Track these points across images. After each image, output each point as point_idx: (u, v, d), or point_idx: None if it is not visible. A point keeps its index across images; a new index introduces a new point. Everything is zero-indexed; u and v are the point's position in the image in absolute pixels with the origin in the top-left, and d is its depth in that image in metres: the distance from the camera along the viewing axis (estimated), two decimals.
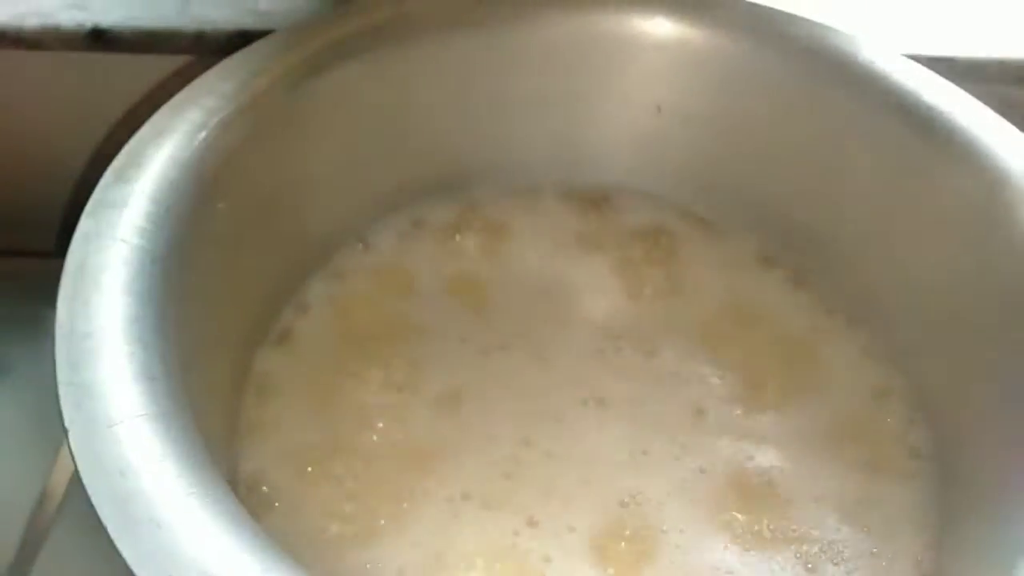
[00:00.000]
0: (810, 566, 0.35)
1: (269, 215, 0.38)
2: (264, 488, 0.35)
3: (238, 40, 0.41)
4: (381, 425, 0.37)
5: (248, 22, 0.43)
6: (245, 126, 0.35)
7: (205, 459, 0.25)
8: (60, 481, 0.40)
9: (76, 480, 0.23)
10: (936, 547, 0.36)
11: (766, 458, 0.38)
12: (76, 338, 0.26)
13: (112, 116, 0.40)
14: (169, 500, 0.23)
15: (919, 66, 0.39)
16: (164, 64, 0.44)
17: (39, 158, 0.46)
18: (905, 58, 0.40)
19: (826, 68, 0.40)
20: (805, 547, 0.35)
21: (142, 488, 0.23)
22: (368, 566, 0.33)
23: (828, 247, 0.43)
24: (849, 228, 0.42)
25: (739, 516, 0.36)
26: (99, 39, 0.42)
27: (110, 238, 0.29)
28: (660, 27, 0.42)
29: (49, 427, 0.25)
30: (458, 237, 0.45)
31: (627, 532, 0.35)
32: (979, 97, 0.38)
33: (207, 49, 0.43)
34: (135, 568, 0.21)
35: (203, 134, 0.34)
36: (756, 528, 0.36)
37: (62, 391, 0.25)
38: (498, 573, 0.33)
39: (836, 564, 0.35)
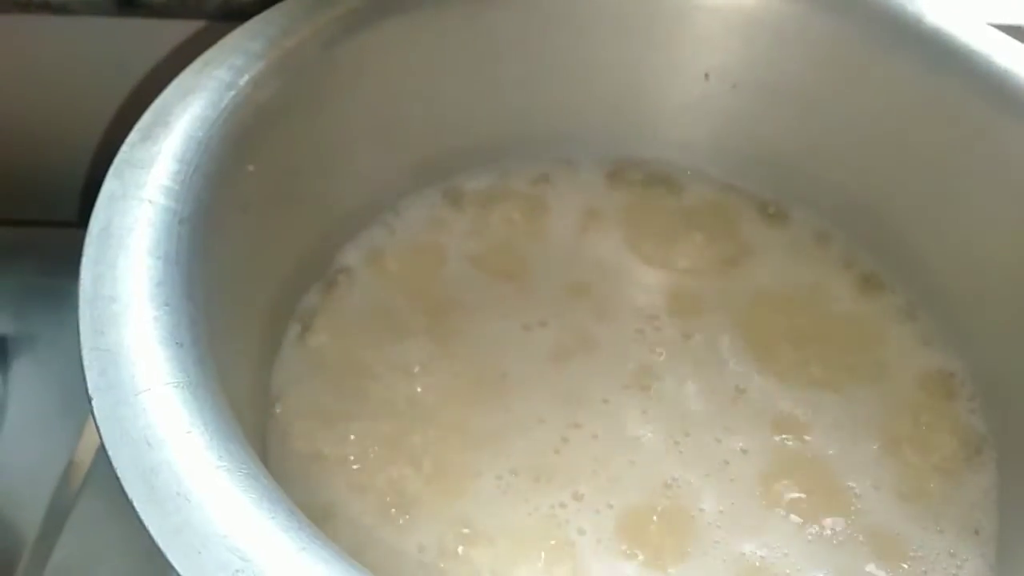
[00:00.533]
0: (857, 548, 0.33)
1: (300, 181, 0.36)
2: (294, 461, 0.33)
3: (264, 4, 0.39)
4: (420, 398, 0.36)
5: None
6: (274, 86, 0.33)
7: (235, 431, 0.23)
8: (86, 453, 0.39)
9: (102, 452, 0.21)
10: (997, 540, 0.34)
11: (815, 442, 0.36)
12: (100, 302, 0.25)
13: (134, 81, 0.38)
14: (197, 473, 0.21)
15: (990, 28, 0.37)
16: (188, 28, 0.42)
17: (61, 125, 0.45)
18: (975, 20, 0.37)
19: (887, 31, 0.38)
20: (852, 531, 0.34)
21: (169, 460, 0.21)
22: (402, 539, 0.32)
23: (887, 223, 0.40)
24: (910, 202, 0.39)
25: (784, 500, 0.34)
26: (127, 3, 0.41)
27: (136, 199, 0.28)
28: None
29: (75, 399, 0.23)
30: (495, 210, 0.43)
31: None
32: None
33: (232, 13, 0.41)
34: (161, 543, 0.20)
35: (231, 93, 0.32)
36: (796, 514, 0.34)
37: (86, 357, 0.23)
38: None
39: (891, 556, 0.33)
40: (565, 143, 0.44)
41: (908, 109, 0.38)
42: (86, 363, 0.23)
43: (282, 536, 0.21)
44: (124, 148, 0.29)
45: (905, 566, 0.33)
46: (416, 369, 0.37)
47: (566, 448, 0.35)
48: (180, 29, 0.42)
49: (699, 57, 0.42)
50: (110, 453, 0.21)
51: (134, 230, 0.27)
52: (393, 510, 0.33)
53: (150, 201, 0.28)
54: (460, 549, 0.32)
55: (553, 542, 0.32)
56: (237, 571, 0.20)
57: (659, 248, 0.42)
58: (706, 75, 0.42)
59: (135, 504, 0.20)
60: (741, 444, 0.35)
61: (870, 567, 0.33)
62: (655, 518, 0.33)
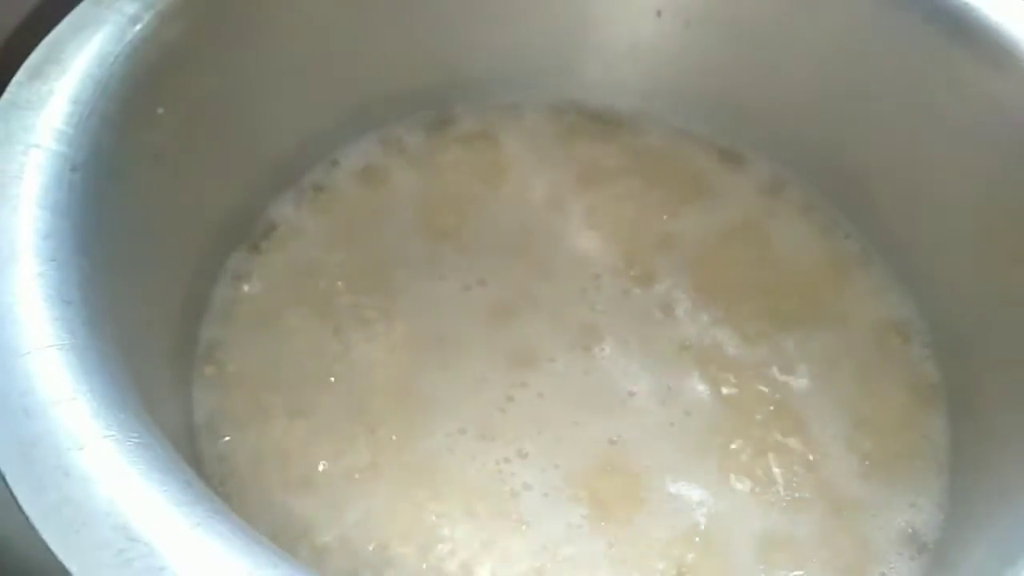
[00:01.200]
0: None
1: (221, 127, 0.34)
2: (224, 431, 0.32)
3: None
4: (359, 358, 0.34)
5: None
6: (186, 19, 0.30)
7: (129, 398, 0.21)
8: None
9: None
10: (947, 482, 0.33)
11: (766, 396, 0.35)
12: None
13: (17, 18, 0.34)
14: (81, 444, 0.19)
15: None
16: None
17: None
18: None
19: None
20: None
21: (49, 430, 0.19)
22: (334, 504, 0.30)
23: (845, 167, 0.39)
24: (869, 146, 0.38)
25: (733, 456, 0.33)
26: None
27: (22, 143, 0.25)
28: None
29: None
30: (435, 160, 0.40)
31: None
32: None
33: None
34: (37, 523, 0.18)
35: (136, 27, 0.29)
36: (744, 472, 0.33)
37: None
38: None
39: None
40: (508, 86, 0.41)
41: (867, 48, 0.36)
42: None
43: (174, 511, 0.19)
44: (10, 88, 0.26)
45: (859, 518, 0.32)
46: (354, 330, 0.35)
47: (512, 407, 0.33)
48: None
49: None
50: None
51: (19, 178, 0.24)
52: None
53: (38, 146, 0.25)
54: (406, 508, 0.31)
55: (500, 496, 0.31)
56: (121, 550, 0.18)
57: (610, 198, 0.40)
58: (658, 12, 0.40)
59: (8, 480, 0.18)
60: (686, 403, 0.34)
61: (819, 520, 0.32)
62: (600, 475, 0.32)
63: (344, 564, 0.29)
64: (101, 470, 0.19)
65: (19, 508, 0.18)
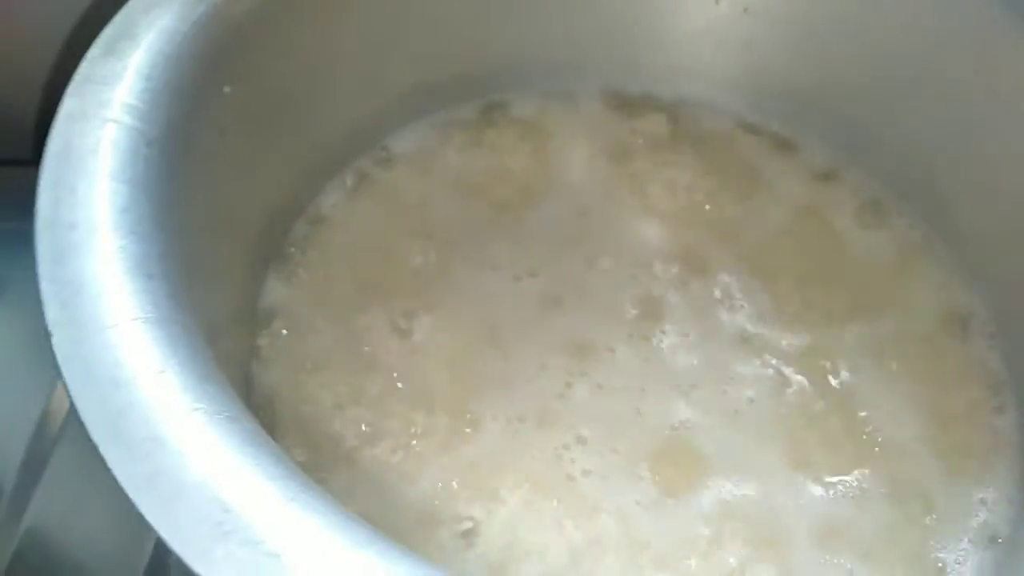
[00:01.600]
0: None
1: (282, 107, 0.33)
2: (280, 407, 0.31)
3: None
4: (416, 347, 0.33)
5: None
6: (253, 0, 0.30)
7: (213, 371, 0.21)
8: (62, 402, 0.37)
9: None
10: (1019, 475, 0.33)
11: (828, 388, 0.34)
12: (60, 229, 0.22)
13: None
14: (172, 416, 0.19)
15: None
16: None
17: (6, 52, 0.41)
18: None
19: None
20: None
21: (140, 401, 0.19)
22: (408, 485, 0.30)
23: (904, 155, 0.38)
24: (929, 134, 0.37)
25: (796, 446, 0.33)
26: None
27: (98, 118, 0.25)
28: None
29: (48, 347, 0.21)
30: (490, 146, 0.40)
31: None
32: None
33: None
34: (132, 494, 0.18)
35: (204, 6, 0.29)
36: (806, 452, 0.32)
37: (44, 289, 0.21)
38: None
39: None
40: (565, 73, 0.41)
41: (927, 33, 0.35)
42: (44, 296, 0.21)
43: (269, 485, 0.18)
44: (84, 63, 0.26)
45: (925, 510, 0.31)
46: (406, 315, 0.34)
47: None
48: None
49: None
50: (72, 395, 0.19)
51: (96, 152, 0.24)
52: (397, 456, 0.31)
53: (114, 121, 0.25)
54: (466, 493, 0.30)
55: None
56: (218, 523, 0.17)
57: (664, 184, 0.40)
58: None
59: (101, 450, 0.18)
60: (749, 392, 0.34)
61: (885, 511, 0.31)
62: (661, 458, 0.32)
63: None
64: (193, 442, 0.19)
65: (113, 479, 0.18)
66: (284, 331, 0.34)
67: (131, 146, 0.25)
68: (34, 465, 0.35)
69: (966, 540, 0.31)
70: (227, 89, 0.30)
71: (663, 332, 0.35)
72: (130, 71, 0.26)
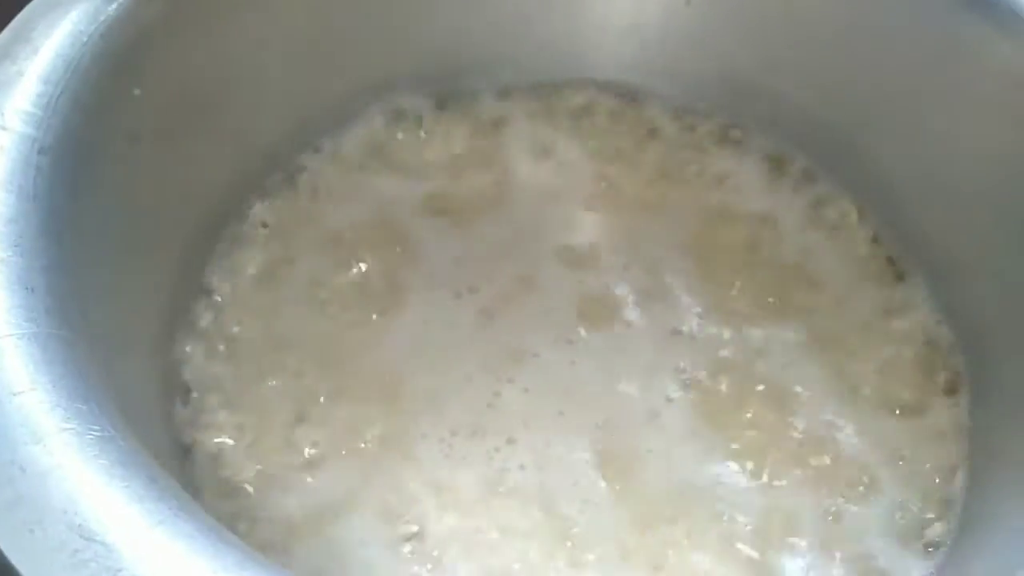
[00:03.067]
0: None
1: (202, 109, 0.32)
2: (208, 421, 0.30)
3: None
4: (348, 359, 0.32)
5: None
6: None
7: (94, 390, 0.20)
8: None
9: None
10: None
11: (763, 377, 0.33)
12: None
13: None
14: (38, 437, 0.18)
15: None
16: None
17: None
18: None
19: None
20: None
21: (4, 423, 0.18)
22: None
23: (855, 145, 0.37)
24: (873, 120, 0.36)
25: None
26: None
27: None
28: None
29: None
30: (433, 143, 0.39)
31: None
32: None
33: None
34: None
35: (112, 6, 0.28)
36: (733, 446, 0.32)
37: None
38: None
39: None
40: (505, 66, 0.40)
41: (880, 22, 0.34)
42: None
43: (136, 508, 0.18)
44: None
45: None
46: (343, 328, 0.33)
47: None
48: None
49: None
50: None
51: None
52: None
53: (4, 128, 0.24)
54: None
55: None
56: (76, 551, 0.17)
57: (605, 175, 0.39)
58: None
59: None
60: (676, 390, 0.33)
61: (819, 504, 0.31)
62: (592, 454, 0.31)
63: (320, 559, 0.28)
64: (58, 465, 0.18)
65: None
66: (212, 337, 0.33)
67: (22, 154, 0.24)
68: None
69: (906, 538, 0.31)
70: (137, 92, 0.29)
71: (599, 331, 0.34)
72: (26, 76, 0.25)
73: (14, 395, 0.19)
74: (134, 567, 0.17)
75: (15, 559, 0.16)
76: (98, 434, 0.19)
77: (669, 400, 0.33)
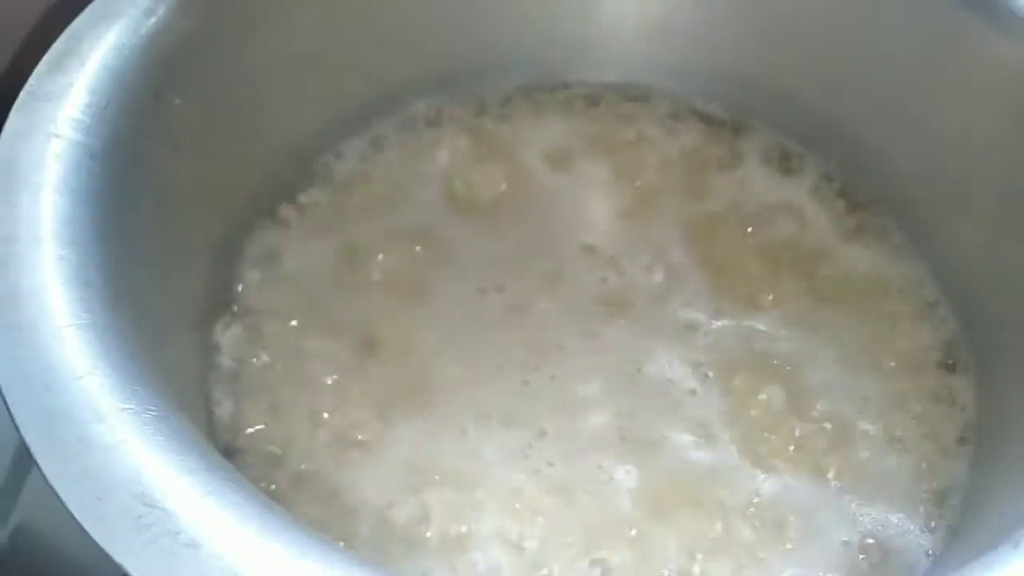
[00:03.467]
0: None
1: (239, 115, 0.34)
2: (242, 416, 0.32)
3: None
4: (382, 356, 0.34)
5: None
6: (201, 11, 0.31)
7: (146, 373, 0.22)
8: None
9: None
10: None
11: (781, 374, 0.35)
12: (1, 243, 0.23)
13: (39, 9, 0.35)
14: (100, 416, 0.20)
15: None
16: None
17: None
18: None
19: None
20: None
21: (69, 403, 0.20)
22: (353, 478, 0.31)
23: (851, 137, 0.39)
24: (877, 116, 0.38)
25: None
26: None
27: (43, 133, 0.26)
28: None
29: None
30: (449, 142, 0.41)
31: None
32: None
33: None
34: (61, 492, 0.19)
35: (152, 20, 0.30)
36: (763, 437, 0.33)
37: None
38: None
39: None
40: (515, 67, 0.41)
41: (875, 18, 0.36)
42: None
43: (189, 479, 0.19)
44: (31, 80, 0.27)
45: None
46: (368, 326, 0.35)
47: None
48: None
49: None
50: (7, 398, 0.20)
51: (41, 166, 0.25)
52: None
53: (58, 135, 0.26)
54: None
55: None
56: (139, 516, 0.19)
57: (616, 172, 0.40)
58: None
59: (32, 450, 0.19)
60: (696, 383, 0.34)
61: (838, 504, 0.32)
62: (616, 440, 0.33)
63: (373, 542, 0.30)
64: (120, 441, 0.20)
65: (45, 479, 0.19)
66: (247, 330, 0.35)
67: (75, 159, 0.26)
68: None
69: (916, 515, 0.32)
70: (178, 101, 0.31)
71: (618, 324, 0.36)
72: (76, 86, 0.27)
73: (77, 378, 0.21)
74: (191, 530, 0.19)
75: (86, 524, 0.18)
76: (154, 413, 0.21)
77: (692, 392, 0.34)
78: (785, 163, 0.40)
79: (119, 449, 0.20)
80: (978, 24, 0.33)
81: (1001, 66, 0.32)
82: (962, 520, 0.32)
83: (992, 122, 0.33)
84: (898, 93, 0.37)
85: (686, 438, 0.33)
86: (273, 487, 0.31)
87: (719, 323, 0.36)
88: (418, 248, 0.37)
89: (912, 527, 0.32)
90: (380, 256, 0.37)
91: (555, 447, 0.32)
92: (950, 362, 0.35)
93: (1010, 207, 0.33)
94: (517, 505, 0.31)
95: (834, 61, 0.38)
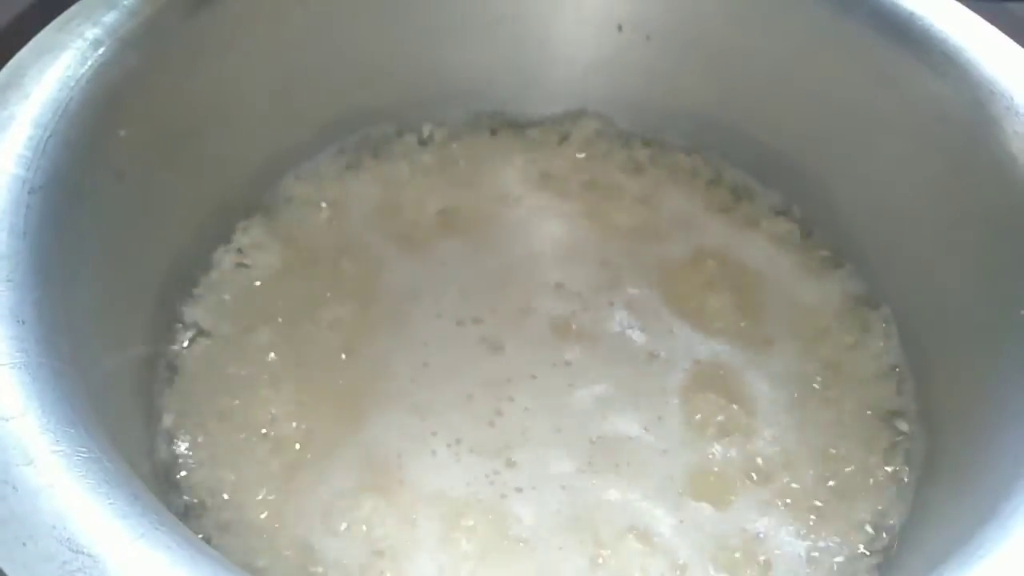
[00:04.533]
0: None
1: (186, 145, 0.34)
2: (190, 446, 0.32)
3: None
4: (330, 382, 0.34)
5: None
6: (149, 45, 0.31)
7: (81, 414, 0.22)
8: None
9: None
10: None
11: (739, 395, 0.35)
12: None
13: None
14: (30, 458, 0.20)
15: None
16: None
17: None
18: None
19: None
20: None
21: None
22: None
23: (797, 170, 0.40)
24: (820, 149, 0.39)
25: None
26: None
27: None
28: None
29: None
30: (398, 175, 0.41)
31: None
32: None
33: None
34: None
35: (99, 52, 0.30)
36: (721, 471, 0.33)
37: None
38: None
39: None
40: (472, 100, 0.42)
41: (815, 53, 0.37)
42: None
43: (119, 523, 0.19)
44: None
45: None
46: (316, 355, 0.35)
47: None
48: None
49: (611, 8, 0.40)
50: None
51: None
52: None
53: None
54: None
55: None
56: (64, 562, 0.18)
57: (573, 210, 0.41)
58: (619, 26, 0.41)
59: None
60: (661, 409, 0.35)
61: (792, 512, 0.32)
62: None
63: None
64: (48, 484, 0.19)
65: None
66: (201, 356, 0.34)
67: (13, 194, 0.25)
68: None
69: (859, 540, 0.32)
70: (122, 132, 0.30)
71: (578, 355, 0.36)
72: (17, 120, 0.27)
73: (8, 419, 0.20)
74: None
75: (9, 570, 0.18)
76: (85, 455, 0.20)
77: (659, 418, 0.34)
78: (737, 196, 0.41)
79: (47, 492, 0.19)
80: (912, 63, 0.34)
81: (932, 104, 0.33)
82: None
83: (923, 154, 0.34)
84: (838, 129, 0.38)
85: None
86: (211, 526, 0.30)
87: (681, 352, 0.36)
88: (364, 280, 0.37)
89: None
90: (328, 294, 0.37)
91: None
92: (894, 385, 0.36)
93: (942, 233, 0.34)
94: None
95: (779, 98, 0.39)
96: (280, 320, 0.36)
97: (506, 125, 0.43)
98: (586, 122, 0.43)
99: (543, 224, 0.40)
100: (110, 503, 0.20)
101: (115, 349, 0.29)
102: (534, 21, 0.41)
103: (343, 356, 0.35)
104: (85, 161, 0.28)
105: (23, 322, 0.23)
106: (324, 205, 0.40)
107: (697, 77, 0.41)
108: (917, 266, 0.36)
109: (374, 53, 0.39)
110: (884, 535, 0.32)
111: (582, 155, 0.42)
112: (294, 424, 0.33)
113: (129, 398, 0.30)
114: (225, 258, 0.37)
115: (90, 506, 0.19)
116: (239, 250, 0.38)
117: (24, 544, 0.18)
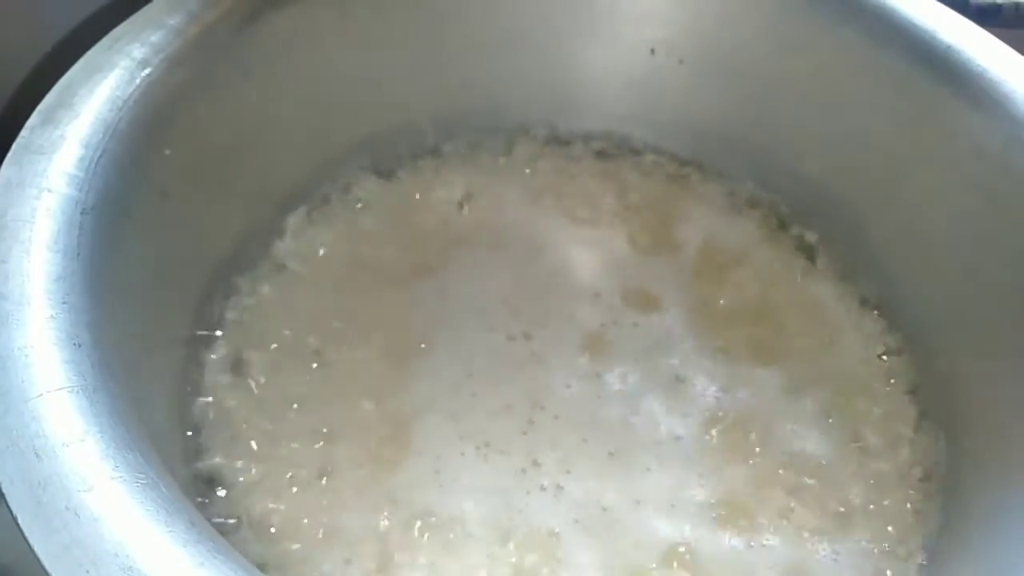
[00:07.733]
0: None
1: (226, 166, 0.34)
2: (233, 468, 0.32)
3: None
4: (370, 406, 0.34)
5: None
6: (194, 64, 0.32)
7: (136, 439, 0.22)
8: None
9: None
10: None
11: (759, 422, 0.35)
12: None
13: (32, 60, 0.35)
14: (90, 485, 0.20)
15: (935, 2, 0.36)
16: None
17: None
18: None
19: (832, 4, 0.37)
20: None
21: (59, 472, 0.20)
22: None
23: (832, 199, 0.40)
24: (856, 179, 0.39)
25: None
26: None
27: (34, 187, 0.26)
28: None
29: None
30: (436, 190, 0.41)
31: None
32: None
33: None
34: (47, 563, 0.19)
35: (146, 71, 0.30)
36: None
37: None
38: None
39: None
40: (504, 122, 0.42)
41: (852, 84, 0.37)
42: None
43: (180, 551, 0.19)
44: (23, 133, 0.27)
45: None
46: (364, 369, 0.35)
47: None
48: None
49: (644, 31, 0.40)
50: None
51: (31, 222, 0.25)
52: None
53: (50, 190, 0.26)
54: None
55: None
56: None
57: (608, 229, 0.41)
58: (652, 50, 0.41)
59: (19, 522, 0.19)
60: (680, 428, 0.35)
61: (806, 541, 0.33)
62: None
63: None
64: (109, 511, 0.20)
65: (31, 550, 0.19)
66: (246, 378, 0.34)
67: (66, 215, 0.26)
68: None
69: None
70: (168, 151, 0.31)
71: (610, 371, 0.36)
72: (68, 140, 0.27)
73: (68, 445, 0.21)
74: None
75: None
76: (143, 481, 0.21)
77: (677, 438, 0.35)
78: (770, 225, 0.41)
79: (108, 519, 0.20)
80: (949, 96, 0.34)
81: (969, 139, 0.33)
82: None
83: (957, 190, 0.34)
84: (872, 160, 0.38)
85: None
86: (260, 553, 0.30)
87: (704, 374, 0.36)
88: (409, 287, 0.38)
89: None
90: (369, 307, 0.37)
91: None
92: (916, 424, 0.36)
93: (974, 270, 0.34)
94: None
95: (813, 126, 0.39)
96: (323, 334, 0.36)
97: (531, 145, 0.43)
98: (617, 142, 0.43)
99: (576, 242, 0.41)
100: (169, 531, 0.20)
101: (157, 369, 0.29)
102: (568, 43, 0.41)
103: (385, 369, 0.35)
104: (133, 181, 0.29)
105: (79, 345, 0.23)
106: (363, 218, 0.40)
107: (729, 102, 0.41)
108: (946, 296, 0.36)
109: (409, 72, 0.40)
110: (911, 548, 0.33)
111: (608, 174, 0.43)
112: (336, 446, 0.33)
113: (166, 418, 0.30)
114: (260, 272, 0.37)
115: (151, 533, 0.20)
116: (277, 267, 0.38)
117: (87, 572, 0.19)
